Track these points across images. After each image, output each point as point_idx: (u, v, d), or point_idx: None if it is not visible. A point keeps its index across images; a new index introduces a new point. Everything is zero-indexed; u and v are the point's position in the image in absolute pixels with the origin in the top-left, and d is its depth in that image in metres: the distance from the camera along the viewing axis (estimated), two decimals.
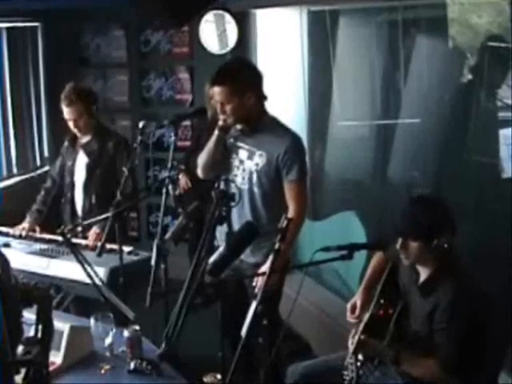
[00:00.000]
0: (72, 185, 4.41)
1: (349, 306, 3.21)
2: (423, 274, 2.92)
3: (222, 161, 3.64)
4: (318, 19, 5.21)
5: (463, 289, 2.80)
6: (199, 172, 3.74)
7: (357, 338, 2.82)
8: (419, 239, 2.81)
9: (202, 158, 3.69)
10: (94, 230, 4.09)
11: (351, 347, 2.81)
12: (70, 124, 4.27)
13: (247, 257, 3.45)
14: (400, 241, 2.84)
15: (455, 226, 2.87)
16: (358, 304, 3.17)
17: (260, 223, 3.50)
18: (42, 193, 4.50)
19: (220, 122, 3.54)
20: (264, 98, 3.55)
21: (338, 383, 2.91)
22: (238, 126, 3.56)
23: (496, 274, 3.53)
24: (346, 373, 2.71)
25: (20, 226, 4.27)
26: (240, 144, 3.60)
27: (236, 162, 3.61)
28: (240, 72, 3.51)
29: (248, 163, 3.56)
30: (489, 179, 3.89)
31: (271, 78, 3.59)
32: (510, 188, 3.58)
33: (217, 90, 3.46)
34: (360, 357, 2.62)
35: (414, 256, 2.86)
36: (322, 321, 4.84)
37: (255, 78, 3.53)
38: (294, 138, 3.56)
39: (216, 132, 3.57)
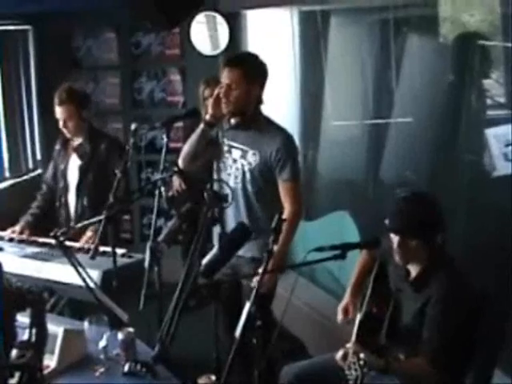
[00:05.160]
0: (66, 188, 4.41)
1: (340, 309, 3.20)
2: (413, 270, 2.92)
3: (204, 155, 3.66)
4: (309, 19, 5.21)
5: (455, 282, 2.81)
6: (179, 162, 3.70)
7: (353, 337, 2.81)
8: (418, 237, 2.80)
9: (184, 149, 3.69)
10: (88, 233, 4.08)
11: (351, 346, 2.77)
12: (60, 124, 4.27)
13: (244, 251, 3.41)
14: (397, 240, 2.82)
15: (445, 221, 2.87)
16: (351, 307, 3.17)
17: (256, 221, 3.51)
18: (38, 198, 4.50)
19: (207, 117, 3.57)
20: (262, 98, 3.58)
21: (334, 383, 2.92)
22: (233, 120, 3.57)
23: (489, 270, 3.54)
24: (348, 372, 2.69)
25: (11, 229, 4.25)
26: (233, 143, 3.61)
27: (229, 162, 3.62)
28: (256, 59, 3.59)
29: (241, 162, 3.57)
30: (481, 177, 3.90)
31: None
32: (502, 186, 3.59)
33: (229, 71, 3.48)
34: (362, 355, 2.61)
35: (411, 255, 2.85)
36: (315, 320, 4.84)
37: (265, 71, 3.58)
38: (287, 136, 3.56)
39: (201, 126, 3.58)
